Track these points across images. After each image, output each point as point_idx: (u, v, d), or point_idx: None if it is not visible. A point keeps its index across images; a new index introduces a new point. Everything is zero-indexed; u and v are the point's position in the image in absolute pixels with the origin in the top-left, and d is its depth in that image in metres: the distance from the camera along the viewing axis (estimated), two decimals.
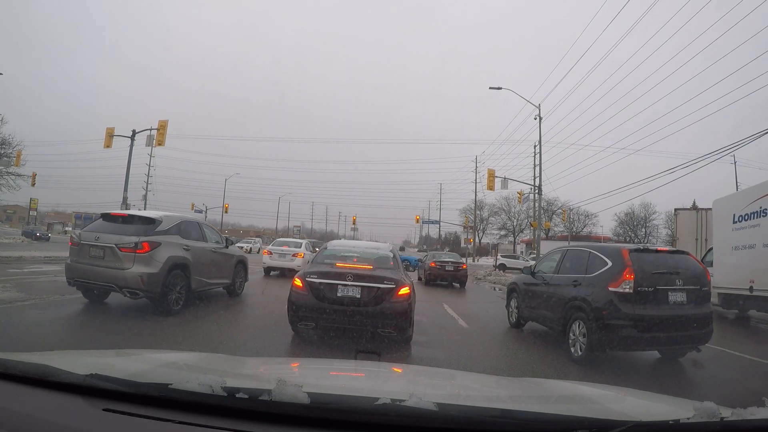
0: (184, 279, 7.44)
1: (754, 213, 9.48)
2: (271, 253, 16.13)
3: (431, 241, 65.30)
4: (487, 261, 47.79)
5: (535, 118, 25.08)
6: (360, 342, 5.62)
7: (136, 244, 6.77)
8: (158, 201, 51.49)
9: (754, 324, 10.41)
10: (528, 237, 57.28)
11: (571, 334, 5.91)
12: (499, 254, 45.08)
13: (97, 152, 51.86)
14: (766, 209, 9.17)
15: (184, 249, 7.55)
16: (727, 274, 9.91)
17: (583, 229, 57.74)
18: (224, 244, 9.25)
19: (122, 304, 7.60)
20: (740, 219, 9.87)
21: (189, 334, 6.09)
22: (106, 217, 7.59)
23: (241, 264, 9.96)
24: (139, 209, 39.19)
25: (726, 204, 10.81)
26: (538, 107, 24.80)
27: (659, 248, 6.46)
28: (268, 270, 16.22)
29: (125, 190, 26.90)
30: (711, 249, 11.57)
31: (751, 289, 9.26)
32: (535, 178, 27.29)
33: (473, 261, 46.31)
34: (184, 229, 7.87)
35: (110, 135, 24.39)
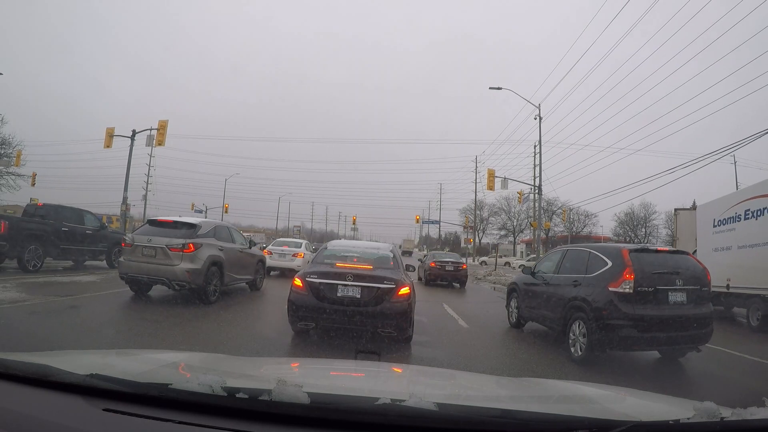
0: (219, 274, 8.65)
1: (730, 218, 10.54)
2: (271, 253, 16.11)
3: (431, 241, 65.24)
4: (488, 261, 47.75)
5: (535, 118, 25.11)
6: (360, 342, 5.61)
7: (184, 244, 8.01)
8: (158, 201, 51.57)
9: (748, 323, 10.43)
10: (528, 237, 57.28)
11: (571, 334, 5.91)
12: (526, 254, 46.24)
13: (97, 152, 51.84)
14: (740, 215, 10.20)
15: (219, 249, 8.78)
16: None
17: (583, 229, 57.71)
18: (248, 246, 10.52)
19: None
20: (719, 223, 10.95)
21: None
22: (153, 222, 8.94)
23: (261, 263, 11.29)
24: (139, 210, 39.22)
25: (708, 210, 11.80)
26: (538, 107, 24.83)
27: (659, 248, 6.46)
28: (268, 270, 16.22)
29: (125, 190, 26.92)
30: (695, 251, 11.91)
31: (727, 286, 10.16)
32: (535, 178, 27.31)
33: (473, 261, 46.32)
34: (218, 232, 9.14)
35: (110, 135, 24.40)
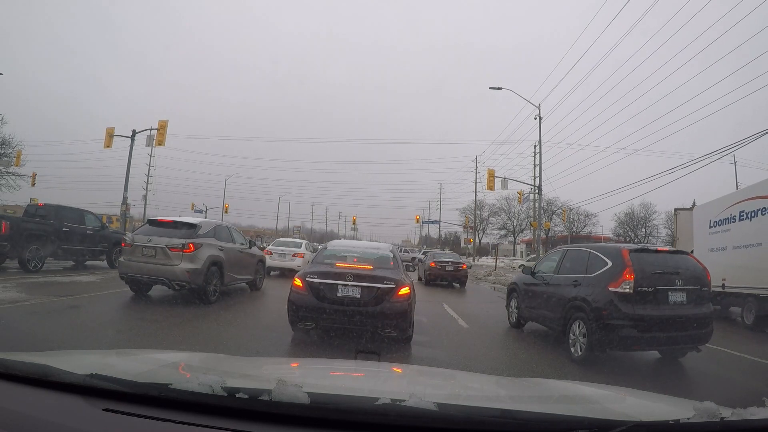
0: (219, 274, 8.64)
1: (725, 219, 10.88)
2: (271, 253, 16.12)
3: (431, 241, 65.21)
4: (488, 261, 47.77)
5: (535, 118, 25.14)
6: (360, 342, 5.61)
7: (184, 244, 8.01)
8: (158, 201, 51.57)
9: (743, 322, 10.48)
10: (528, 237, 57.29)
11: (571, 334, 5.91)
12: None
13: (97, 152, 51.66)
14: (735, 216, 10.51)
15: (219, 249, 8.77)
16: None
17: (583, 229, 57.73)
18: (248, 245, 10.49)
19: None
20: (715, 224, 11.30)
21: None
22: (153, 222, 8.93)
23: (261, 263, 11.27)
24: (139, 210, 39.21)
25: (704, 211, 12.22)
26: (538, 107, 24.85)
27: (659, 248, 6.45)
28: (268, 270, 16.23)
29: (125, 190, 26.95)
30: (692, 251, 12.10)
31: (723, 286, 10.39)
32: (535, 178, 27.33)
33: (473, 261, 46.30)
34: (218, 232, 9.13)
35: (110, 135, 24.42)
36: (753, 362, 6.67)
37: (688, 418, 1.16)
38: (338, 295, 5.59)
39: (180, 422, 1.12)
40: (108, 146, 24.49)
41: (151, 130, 25.46)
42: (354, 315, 5.55)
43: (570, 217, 50.62)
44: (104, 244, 13.57)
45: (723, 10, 16.02)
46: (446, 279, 17.25)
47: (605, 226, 59.02)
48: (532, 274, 7.70)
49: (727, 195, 11.61)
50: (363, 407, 1.20)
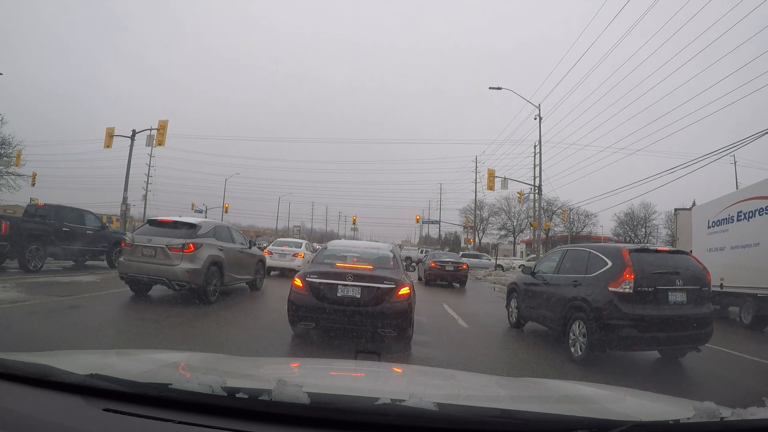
0: (219, 274, 8.64)
1: (724, 219, 11.05)
2: (271, 253, 16.12)
3: (431, 241, 65.20)
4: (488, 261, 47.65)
5: (535, 118, 25.15)
6: (360, 342, 5.62)
7: (184, 244, 8.01)
8: (158, 201, 51.57)
9: (741, 321, 10.49)
10: (528, 237, 57.27)
11: (571, 334, 5.91)
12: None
13: (97, 152, 51.49)
14: (733, 216, 10.67)
15: (219, 249, 8.78)
16: None
17: (583, 229, 57.71)
18: (248, 245, 10.50)
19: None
20: (713, 225, 11.46)
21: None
22: (153, 222, 8.97)
23: (261, 263, 11.28)
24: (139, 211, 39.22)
25: (703, 211, 12.41)
26: (538, 107, 24.86)
27: (659, 248, 6.46)
28: (268, 270, 16.24)
29: (125, 190, 26.96)
30: (691, 251, 12.19)
31: (721, 286, 10.41)
32: (535, 178, 27.34)
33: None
34: (218, 232, 9.15)
35: (110, 135, 24.42)
36: (753, 362, 6.67)
37: (688, 418, 1.16)
38: (338, 295, 5.59)
39: (180, 422, 1.12)
40: (108, 146, 24.50)
41: (151, 130, 25.48)
42: (354, 315, 5.55)
43: (570, 217, 50.58)
44: (104, 244, 13.60)
45: (723, 10, 16.05)
46: (446, 279, 17.27)
47: (605, 226, 59.04)
48: (532, 274, 7.70)
49: (725, 195, 11.68)
50: (363, 407, 1.20)
